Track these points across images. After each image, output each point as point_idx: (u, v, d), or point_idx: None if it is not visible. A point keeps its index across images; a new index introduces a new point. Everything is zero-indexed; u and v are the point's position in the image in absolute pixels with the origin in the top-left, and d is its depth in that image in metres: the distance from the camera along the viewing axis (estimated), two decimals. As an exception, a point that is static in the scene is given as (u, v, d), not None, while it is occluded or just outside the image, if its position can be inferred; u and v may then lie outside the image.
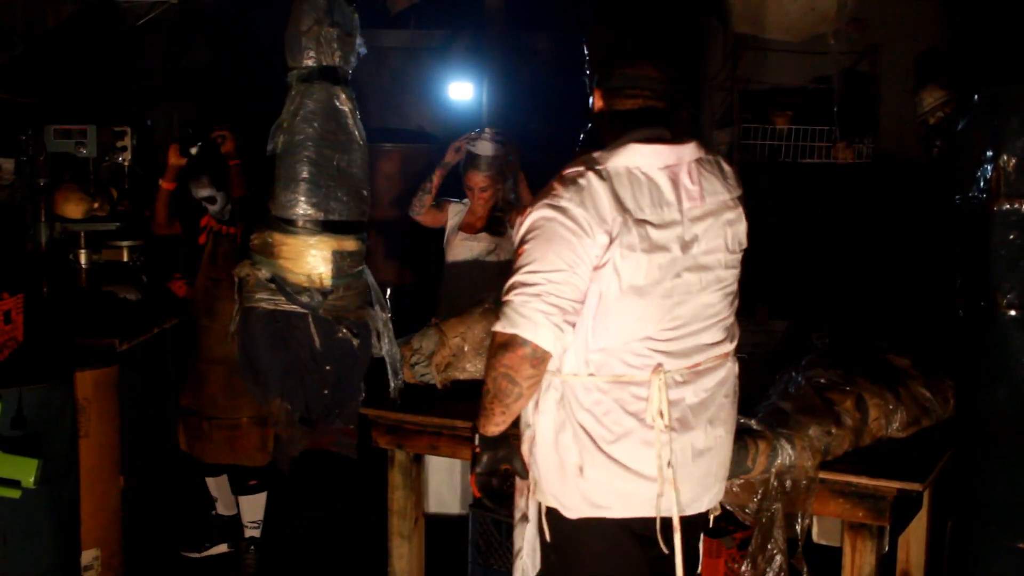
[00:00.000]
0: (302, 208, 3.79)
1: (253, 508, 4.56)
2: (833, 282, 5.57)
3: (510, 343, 2.23)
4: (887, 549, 2.87)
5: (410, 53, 7.86)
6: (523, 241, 2.29)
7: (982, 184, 2.87)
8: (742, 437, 2.74)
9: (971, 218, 2.93)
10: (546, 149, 5.17)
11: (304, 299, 3.81)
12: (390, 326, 4.06)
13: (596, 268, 2.25)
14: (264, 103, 4.29)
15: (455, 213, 4.66)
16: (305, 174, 3.81)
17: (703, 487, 2.42)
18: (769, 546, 2.75)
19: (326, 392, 3.92)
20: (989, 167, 2.83)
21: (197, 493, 4.74)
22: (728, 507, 2.81)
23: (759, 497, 2.77)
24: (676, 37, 4.45)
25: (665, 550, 2.36)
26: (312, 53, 3.88)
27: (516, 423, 2.42)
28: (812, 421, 2.83)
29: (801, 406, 2.90)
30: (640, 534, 2.38)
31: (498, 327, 2.26)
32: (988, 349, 2.87)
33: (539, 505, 2.44)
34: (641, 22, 4.44)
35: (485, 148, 4.42)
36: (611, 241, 2.24)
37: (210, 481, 4.65)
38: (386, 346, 4.01)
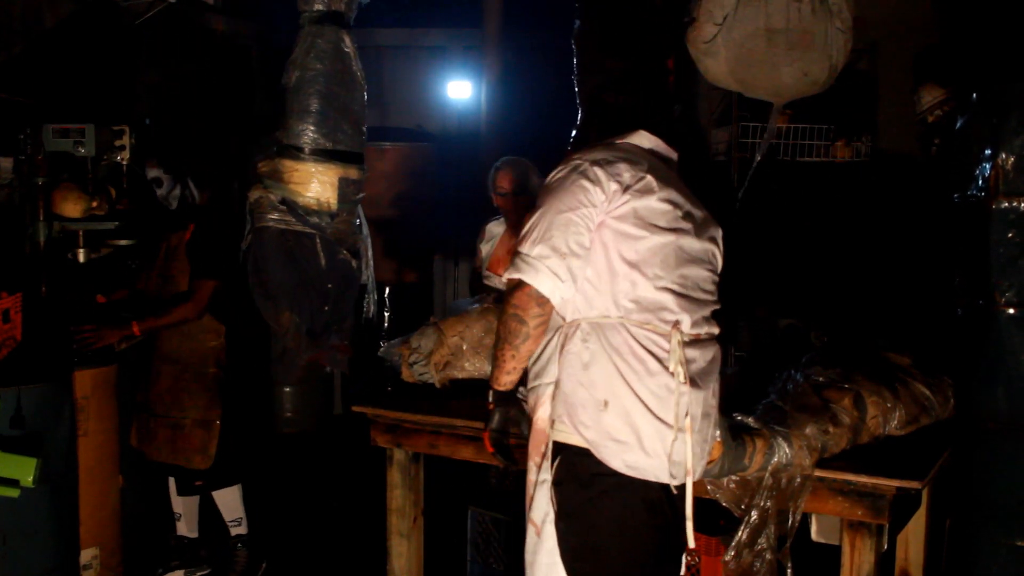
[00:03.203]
0: (312, 137, 4.10)
1: (228, 506, 4.43)
2: (832, 281, 5.55)
3: (517, 286, 2.45)
4: (886, 547, 2.86)
5: (409, 52, 7.87)
6: (539, 199, 2.50)
7: (980, 182, 2.87)
8: (740, 435, 2.74)
9: (969, 216, 2.93)
10: (546, 149, 5.16)
11: (314, 220, 4.10)
12: (370, 251, 4.36)
13: (615, 214, 2.43)
14: (265, 103, 4.30)
15: (488, 238, 4.58)
16: (316, 106, 4.12)
17: (703, 450, 2.53)
18: (759, 542, 2.76)
19: (326, 308, 4.21)
20: (987, 165, 2.83)
21: (155, 505, 4.50)
22: (724, 504, 2.82)
23: (753, 493, 2.78)
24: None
25: (675, 490, 2.49)
26: None
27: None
28: (809, 419, 2.83)
29: (798, 404, 2.90)
30: (650, 501, 2.46)
31: (507, 274, 2.48)
32: (986, 347, 2.86)
33: (551, 474, 2.48)
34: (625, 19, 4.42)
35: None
36: (625, 188, 2.43)
37: (177, 499, 4.42)
38: (368, 271, 4.36)
